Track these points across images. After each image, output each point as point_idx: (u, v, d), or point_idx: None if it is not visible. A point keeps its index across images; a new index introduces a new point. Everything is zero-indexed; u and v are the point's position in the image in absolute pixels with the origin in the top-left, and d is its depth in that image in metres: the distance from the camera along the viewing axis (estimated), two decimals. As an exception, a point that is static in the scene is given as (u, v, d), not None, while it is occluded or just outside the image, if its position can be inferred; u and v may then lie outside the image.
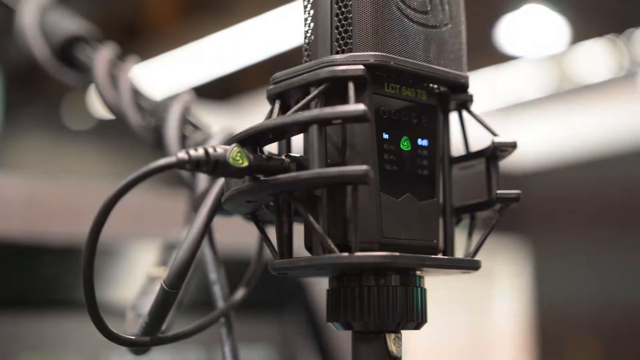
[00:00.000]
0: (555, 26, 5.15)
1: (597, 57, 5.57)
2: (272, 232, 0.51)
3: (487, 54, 5.45)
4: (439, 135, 0.52)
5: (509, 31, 5.24)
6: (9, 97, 5.42)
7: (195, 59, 5.57)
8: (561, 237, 6.40)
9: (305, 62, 0.52)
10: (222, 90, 6.23)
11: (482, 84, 5.89)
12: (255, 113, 5.83)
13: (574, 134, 6.39)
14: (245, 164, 0.46)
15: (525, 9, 5.01)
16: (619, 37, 5.37)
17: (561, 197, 6.49)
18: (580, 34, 5.33)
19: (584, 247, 6.25)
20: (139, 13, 5.20)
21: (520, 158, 6.27)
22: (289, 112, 0.47)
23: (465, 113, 0.54)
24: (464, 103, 0.53)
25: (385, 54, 0.48)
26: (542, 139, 6.54)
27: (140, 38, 5.44)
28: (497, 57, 5.66)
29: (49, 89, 5.56)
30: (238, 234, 0.82)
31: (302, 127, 0.46)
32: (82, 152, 6.48)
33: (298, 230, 0.50)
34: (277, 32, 5.00)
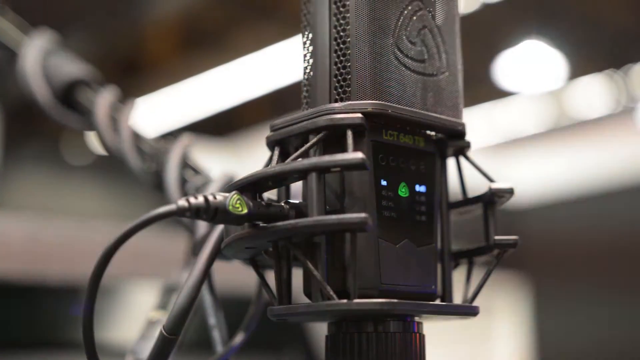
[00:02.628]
0: (553, 62, 5.18)
1: (595, 93, 5.60)
2: (271, 276, 0.51)
3: (486, 89, 5.48)
4: (437, 181, 0.53)
5: (507, 67, 5.27)
6: (9, 133, 5.44)
7: (194, 94, 5.59)
8: (561, 273, 6.39)
9: (305, 100, 0.52)
10: (221, 125, 6.25)
11: (480, 120, 5.91)
12: (254, 148, 5.85)
13: (572, 170, 6.40)
14: (245, 211, 0.46)
15: (524, 45, 5.05)
16: (616, 73, 5.40)
17: (560, 233, 6.48)
18: (578, 69, 5.36)
19: (583, 284, 6.24)
20: (139, 48, 5.23)
21: (518, 193, 6.26)
22: (288, 160, 0.48)
23: (462, 159, 0.55)
24: (461, 149, 0.54)
25: (383, 102, 0.49)
26: (540, 174, 6.55)
27: (140, 73, 5.46)
28: (496, 93, 5.69)
29: (48, 124, 5.58)
30: (238, 273, 0.82)
31: (301, 175, 0.47)
32: (82, 187, 6.49)
33: (297, 274, 0.50)
34: (276, 68, 5.03)
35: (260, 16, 4.73)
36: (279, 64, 4.95)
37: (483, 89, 5.43)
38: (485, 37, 4.80)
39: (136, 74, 5.46)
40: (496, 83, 5.50)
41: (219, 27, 4.90)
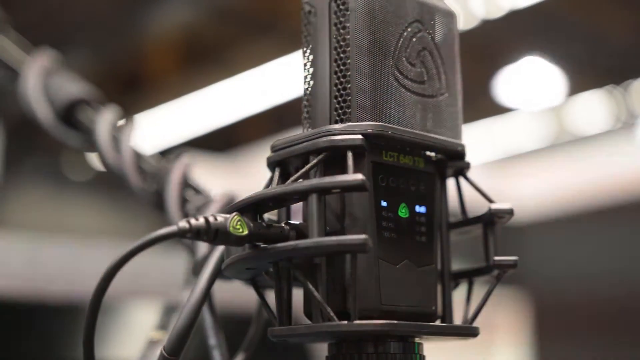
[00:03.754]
0: (552, 78, 5.20)
1: (595, 109, 5.61)
2: (271, 296, 0.51)
3: (486, 105, 5.49)
4: (437, 201, 0.53)
5: (507, 83, 5.28)
6: (9, 147, 5.44)
7: (194, 110, 5.60)
8: (561, 289, 6.38)
9: (305, 120, 0.53)
10: (221, 141, 6.25)
11: (480, 136, 5.92)
12: (254, 164, 5.85)
13: (573, 186, 6.40)
14: (246, 232, 0.46)
15: (524, 61, 5.06)
16: (616, 89, 5.42)
17: (560, 249, 6.47)
18: (578, 86, 5.38)
19: (583, 299, 6.22)
20: (140, 64, 5.25)
21: (518, 209, 6.27)
22: (289, 181, 0.48)
23: (462, 179, 0.55)
24: (461, 170, 0.54)
25: (383, 123, 0.49)
26: (540, 190, 6.55)
27: (141, 89, 5.48)
28: (496, 109, 5.70)
29: (48, 139, 5.57)
30: (239, 292, 0.82)
31: (301, 196, 0.47)
32: (83, 203, 6.49)
33: (298, 294, 0.51)
34: (276, 84, 5.04)
35: (260, 32, 4.74)
36: (279, 80, 4.97)
37: (483, 105, 5.44)
38: (485, 53, 4.82)
39: (137, 90, 5.48)
40: (496, 99, 5.51)
41: (219, 43, 4.92)
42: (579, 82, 5.35)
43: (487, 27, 4.46)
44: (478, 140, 5.93)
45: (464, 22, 4.33)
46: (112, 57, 5.15)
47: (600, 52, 4.99)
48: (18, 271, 0.95)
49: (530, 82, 5.21)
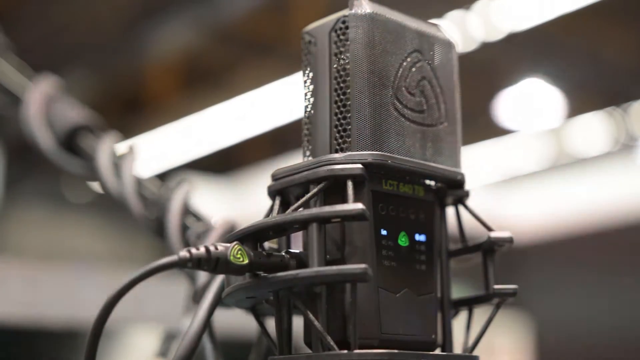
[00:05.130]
0: (552, 100, 5.21)
1: (595, 130, 5.62)
2: (272, 324, 0.51)
3: (486, 127, 5.50)
4: (437, 230, 0.53)
5: (507, 105, 5.30)
6: (9, 169, 5.45)
7: (195, 132, 5.61)
8: (562, 312, 6.36)
9: (305, 147, 0.53)
10: (222, 162, 6.26)
11: (480, 157, 5.93)
12: (255, 186, 5.85)
13: (572, 207, 6.40)
14: (246, 261, 0.47)
15: (523, 83, 5.08)
16: (615, 111, 5.43)
17: (560, 271, 6.47)
18: (578, 107, 5.39)
19: (584, 321, 6.21)
20: (140, 85, 5.26)
21: (518, 231, 6.27)
22: (289, 210, 0.48)
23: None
24: (460, 198, 0.54)
25: (382, 153, 0.49)
26: (539, 212, 6.55)
27: (141, 110, 5.49)
28: (495, 131, 5.71)
29: (48, 162, 5.57)
30: (239, 317, 0.82)
31: (301, 225, 0.47)
32: (82, 225, 6.48)
33: (298, 321, 0.51)
34: (277, 106, 5.05)
35: (261, 54, 4.76)
36: (280, 102, 4.98)
37: (483, 127, 5.45)
38: (485, 75, 4.83)
39: (137, 111, 5.49)
40: (496, 121, 5.52)
41: (220, 65, 4.93)
42: (579, 104, 5.36)
43: (487, 50, 4.47)
44: (478, 162, 5.94)
45: (464, 45, 4.35)
46: (112, 79, 5.16)
47: (600, 74, 5.00)
48: (17, 296, 0.95)
49: (529, 104, 5.23)
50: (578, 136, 5.75)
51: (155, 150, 5.63)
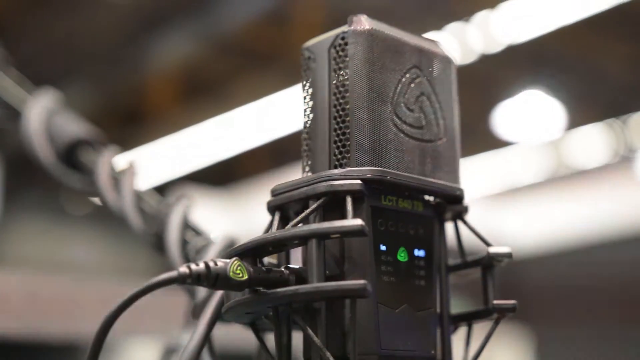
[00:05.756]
0: (551, 112, 5.22)
1: (594, 142, 5.63)
2: (271, 339, 0.51)
3: (485, 139, 5.51)
4: (436, 245, 0.53)
5: (506, 117, 5.30)
6: (9, 180, 5.45)
7: (194, 144, 5.62)
8: (562, 324, 6.36)
9: (305, 163, 0.53)
10: (221, 174, 6.26)
11: (479, 169, 5.93)
12: (254, 198, 5.85)
13: (571, 219, 6.40)
14: (245, 277, 0.47)
15: (523, 95, 5.09)
16: (615, 123, 5.44)
17: (560, 283, 6.46)
18: (577, 119, 5.40)
19: (584, 335, 6.20)
20: (140, 97, 5.27)
21: (517, 243, 6.27)
22: (289, 226, 0.49)
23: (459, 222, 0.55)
24: (459, 213, 0.54)
25: (381, 168, 0.50)
26: (539, 224, 6.55)
27: (141, 122, 5.49)
28: (495, 143, 5.72)
29: (47, 174, 5.56)
30: (238, 331, 0.82)
31: (301, 241, 0.47)
32: (82, 237, 6.47)
33: (297, 337, 0.51)
34: (277, 117, 5.06)
35: (260, 66, 4.77)
36: (279, 113, 4.99)
37: (482, 139, 5.46)
38: (484, 87, 4.84)
39: (136, 123, 5.49)
40: (495, 133, 5.53)
41: (219, 77, 4.94)
42: (578, 116, 5.37)
43: (486, 62, 4.48)
44: (477, 173, 5.94)
45: (463, 57, 4.36)
46: (112, 91, 5.17)
47: (599, 86, 5.01)
48: (16, 310, 0.95)
49: (529, 115, 5.24)
50: (577, 148, 5.75)
51: (154, 162, 5.64)
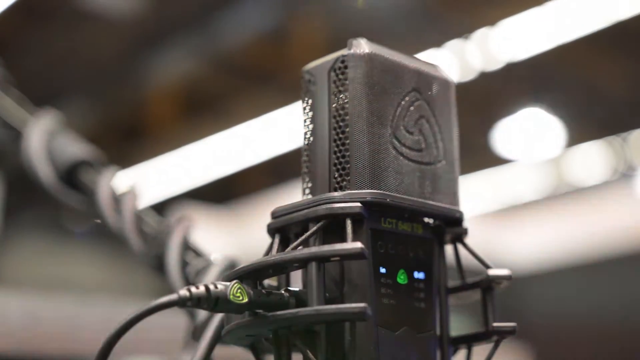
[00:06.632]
0: (551, 129, 5.23)
1: (594, 160, 5.63)
2: (271, 360, 0.51)
3: (485, 157, 5.51)
4: (435, 267, 0.53)
5: (506, 135, 5.31)
6: (9, 199, 5.45)
7: (194, 161, 5.62)
8: (561, 341, 6.34)
9: (305, 185, 0.53)
10: (221, 192, 6.26)
11: (479, 187, 5.94)
12: (254, 215, 5.85)
13: (571, 237, 6.40)
14: (246, 300, 0.47)
15: (522, 112, 5.10)
16: (614, 140, 5.45)
17: (559, 301, 6.45)
18: (577, 136, 5.40)
19: (584, 351, 6.18)
20: (139, 114, 5.28)
21: (516, 261, 6.26)
22: (289, 249, 0.49)
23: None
24: (459, 236, 0.54)
25: (381, 191, 0.50)
26: (539, 241, 6.54)
27: (141, 139, 5.50)
28: (494, 160, 5.72)
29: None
30: (239, 353, 0.82)
31: (301, 264, 0.48)
32: (82, 255, 6.46)
33: (297, 358, 0.51)
34: (277, 134, 5.06)
35: (260, 83, 4.78)
36: (279, 131, 4.99)
37: (482, 157, 5.46)
38: (484, 105, 4.85)
39: (137, 140, 5.50)
40: (495, 150, 5.53)
41: (219, 94, 4.95)
42: (578, 133, 5.38)
43: (485, 79, 4.49)
44: (477, 191, 5.94)
45: (462, 75, 4.37)
46: (112, 107, 5.18)
47: (598, 104, 5.02)
48: (16, 329, 0.95)
49: (528, 133, 5.24)
50: (577, 165, 5.76)
51: (154, 179, 5.64)
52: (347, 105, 0.51)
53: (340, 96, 0.52)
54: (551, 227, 6.54)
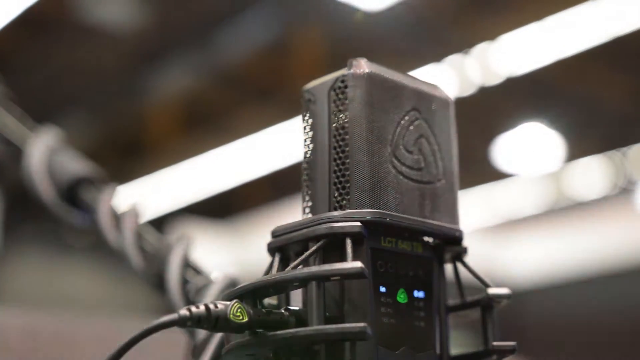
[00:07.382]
0: (551, 144, 5.24)
1: (593, 174, 5.64)
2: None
3: (484, 171, 5.52)
4: (435, 286, 0.53)
5: (505, 149, 5.32)
6: (8, 215, 5.44)
7: (194, 175, 5.63)
8: (560, 357, 6.32)
9: (305, 204, 0.53)
10: (221, 206, 6.26)
11: (479, 201, 5.94)
12: (254, 230, 5.85)
13: (571, 252, 6.39)
14: (245, 319, 0.47)
15: (522, 127, 5.10)
16: (614, 155, 5.45)
17: (559, 316, 6.44)
18: (576, 151, 5.41)
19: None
20: (140, 129, 5.29)
21: (516, 275, 6.26)
22: (289, 268, 0.49)
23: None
24: (459, 254, 0.55)
25: (381, 210, 0.50)
26: (538, 256, 6.54)
27: (141, 154, 5.51)
28: (494, 175, 5.73)
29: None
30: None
31: (301, 283, 0.48)
32: (82, 270, 6.45)
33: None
34: (277, 149, 5.07)
35: (260, 98, 4.79)
36: (279, 145, 5.00)
37: (482, 171, 5.47)
38: (483, 120, 4.86)
39: (137, 155, 5.51)
40: (495, 165, 5.54)
41: (219, 109, 4.96)
42: (577, 148, 5.38)
43: (485, 94, 4.50)
44: (477, 205, 5.94)
45: (462, 89, 4.38)
46: (112, 122, 5.19)
47: (598, 118, 5.03)
48: (15, 345, 0.95)
49: (528, 147, 5.25)
50: (576, 180, 5.76)
51: (154, 193, 5.64)
52: (347, 125, 0.51)
53: (340, 115, 0.52)
54: (551, 242, 6.54)
